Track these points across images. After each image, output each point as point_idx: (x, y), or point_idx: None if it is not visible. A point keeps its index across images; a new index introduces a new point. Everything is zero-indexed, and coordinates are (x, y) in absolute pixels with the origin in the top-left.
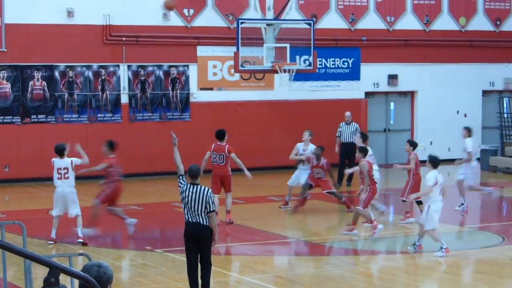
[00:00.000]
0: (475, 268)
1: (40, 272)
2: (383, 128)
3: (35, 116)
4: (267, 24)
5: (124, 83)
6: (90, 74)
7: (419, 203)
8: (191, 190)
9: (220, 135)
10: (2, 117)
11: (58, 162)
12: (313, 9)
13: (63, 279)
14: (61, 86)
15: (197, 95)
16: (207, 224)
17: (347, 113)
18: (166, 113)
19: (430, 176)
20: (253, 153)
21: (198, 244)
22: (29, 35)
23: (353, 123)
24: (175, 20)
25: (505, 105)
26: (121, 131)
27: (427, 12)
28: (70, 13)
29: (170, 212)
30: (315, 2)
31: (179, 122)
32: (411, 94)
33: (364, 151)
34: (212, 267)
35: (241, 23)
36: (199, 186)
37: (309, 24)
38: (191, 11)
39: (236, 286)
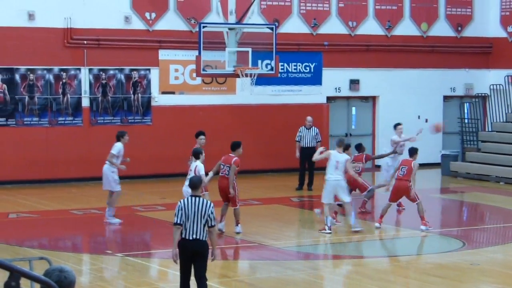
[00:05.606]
0: (436, 272)
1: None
2: (344, 132)
3: None
4: (229, 28)
5: (85, 86)
6: (51, 77)
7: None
8: (191, 202)
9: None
10: None
11: None
12: (275, 13)
13: (24, 282)
14: (21, 89)
15: (159, 99)
16: (205, 239)
17: (309, 118)
18: (128, 117)
19: None
20: (214, 158)
21: (194, 260)
22: None
23: (313, 127)
24: (136, 23)
25: (466, 111)
26: (82, 134)
27: (389, 17)
28: (31, 16)
29: (131, 216)
30: (277, 6)
31: (140, 126)
32: (373, 99)
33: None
34: (171, 271)
35: (203, 27)
36: (199, 199)
37: (271, 29)
38: (153, 15)
39: None
